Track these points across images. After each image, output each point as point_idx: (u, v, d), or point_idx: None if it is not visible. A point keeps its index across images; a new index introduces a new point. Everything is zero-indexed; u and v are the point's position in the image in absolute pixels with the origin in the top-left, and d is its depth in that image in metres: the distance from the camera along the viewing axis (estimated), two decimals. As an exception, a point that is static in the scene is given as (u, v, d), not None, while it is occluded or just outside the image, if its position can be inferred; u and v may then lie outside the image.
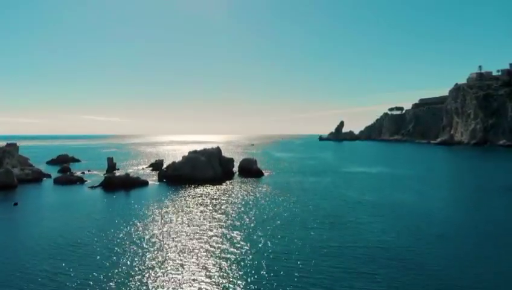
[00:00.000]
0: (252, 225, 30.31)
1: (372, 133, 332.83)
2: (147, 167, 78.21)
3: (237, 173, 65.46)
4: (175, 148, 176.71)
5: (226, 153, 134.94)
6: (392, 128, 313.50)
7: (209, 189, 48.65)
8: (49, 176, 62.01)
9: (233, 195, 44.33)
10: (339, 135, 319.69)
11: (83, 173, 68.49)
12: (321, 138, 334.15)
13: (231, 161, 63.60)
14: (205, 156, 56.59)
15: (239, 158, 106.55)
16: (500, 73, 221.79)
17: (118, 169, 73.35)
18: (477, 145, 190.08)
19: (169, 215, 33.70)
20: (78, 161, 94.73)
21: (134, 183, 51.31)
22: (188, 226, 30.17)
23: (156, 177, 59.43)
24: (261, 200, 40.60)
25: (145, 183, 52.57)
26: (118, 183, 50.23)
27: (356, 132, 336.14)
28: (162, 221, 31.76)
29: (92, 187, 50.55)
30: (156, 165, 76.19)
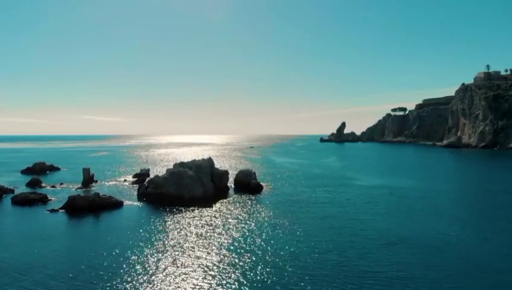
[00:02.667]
0: (241, 282, 20.95)
1: (374, 134, 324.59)
2: (131, 178, 68.67)
3: (233, 187, 56.03)
4: (170, 152, 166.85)
5: (223, 159, 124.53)
6: (395, 129, 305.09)
7: (196, 213, 39.29)
8: (12, 191, 52.70)
9: (223, 224, 34.95)
10: (340, 137, 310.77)
11: (54, 187, 59.07)
12: (322, 139, 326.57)
13: (225, 174, 53.80)
14: (193, 169, 47.12)
15: (237, 164, 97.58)
16: (509, 72, 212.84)
17: (96, 181, 63.96)
18: (486, 148, 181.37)
19: (138, 258, 24.35)
20: (57, 169, 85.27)
21: (105, 204, 41.93)
22: (162, 272, 20.86)
23: (135, 195, 49.94)
24: (257, 236, 31.21)
25: (118, 205, 43.15)
26: (84, 206, 40.85)
27: (357, 132, 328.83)
28: (127, 266, 22.42)
29: (53, 211, 41.10)
30: (141, 176, 66.86)
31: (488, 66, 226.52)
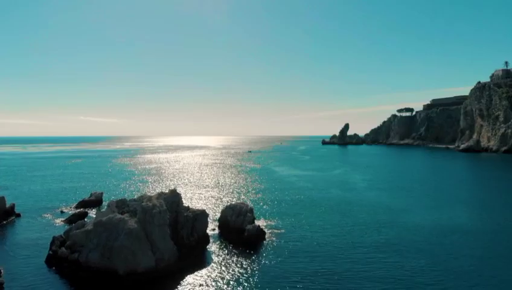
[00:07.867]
0: None
1: (379, 136, 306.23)
2: (74, 207, 47.68)
3: (216, 232, 35.44)
4: (154, 160, 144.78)
5: (211, 170, 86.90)
6: (402, 131, 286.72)
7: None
8: None
9: None
10: (344, 139, 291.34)
11: None
12: (324, 142, 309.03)
13: (200, 216, 30.97)
14: (139, 215, 26.22)
15: (227, 183, 69.96)
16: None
17: (18, 215, 43.30)
18: (508, 153, 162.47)
19: None
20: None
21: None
22: None
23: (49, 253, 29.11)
24: None
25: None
26: None
27: (359, 133, 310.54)
28: None
29: None
30: (85, 207, 46.27)
31: (506, 63, 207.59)
